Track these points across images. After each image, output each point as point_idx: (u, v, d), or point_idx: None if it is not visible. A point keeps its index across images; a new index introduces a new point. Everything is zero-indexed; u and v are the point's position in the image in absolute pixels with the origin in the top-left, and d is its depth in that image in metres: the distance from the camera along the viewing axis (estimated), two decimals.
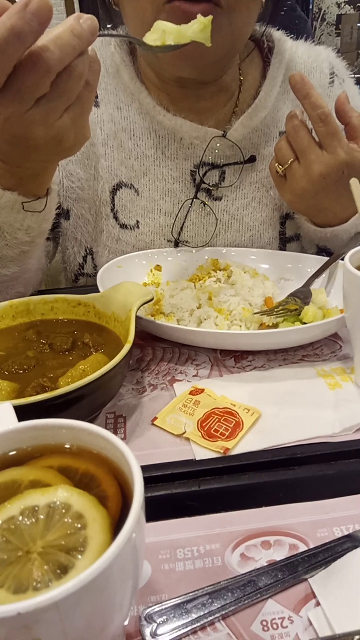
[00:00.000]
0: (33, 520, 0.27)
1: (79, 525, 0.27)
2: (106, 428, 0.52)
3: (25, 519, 0.27)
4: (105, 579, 0.24)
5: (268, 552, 0.40)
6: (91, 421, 0.52)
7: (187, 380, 0.59)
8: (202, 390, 0.56)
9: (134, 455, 0.29)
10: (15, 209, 0.55)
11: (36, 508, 0.28)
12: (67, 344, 0.55)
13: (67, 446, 0.32)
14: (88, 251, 0.83)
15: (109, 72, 0.79)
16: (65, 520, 0.27)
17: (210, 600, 0.36)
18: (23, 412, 0.43)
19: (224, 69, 0.75)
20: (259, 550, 0.40)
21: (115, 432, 0.51)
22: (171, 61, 0.68)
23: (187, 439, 0.50)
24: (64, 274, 0.87)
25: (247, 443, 0.49)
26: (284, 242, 0.84)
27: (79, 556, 0.25)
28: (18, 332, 0.59)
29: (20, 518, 0.27)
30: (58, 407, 0.45)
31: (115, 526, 0.28)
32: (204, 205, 0.81)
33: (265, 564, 0.39)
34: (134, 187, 0.80)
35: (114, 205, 0.80)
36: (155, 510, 0.42)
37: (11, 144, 0.47)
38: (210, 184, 0.80)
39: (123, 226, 0.80)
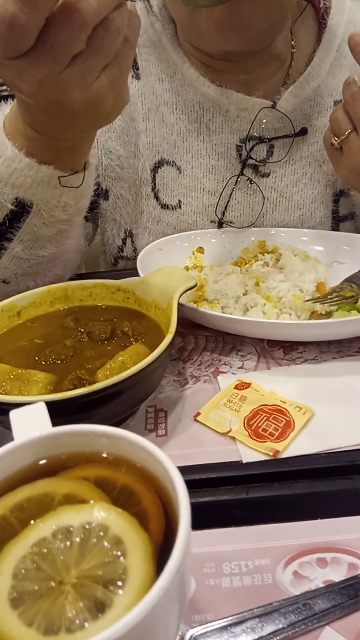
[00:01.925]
0: (67, 543, 0.24)
1: (118, 553, 0.24)
2: (146, 423, 0.49)
3: (59, 542, 0.24)
4: (149, 622, 0.21)
5: (324, 571, 0.36)
6: (130, 416, 0.49)
7: (232, 373, 0.55)
8: (249, 385, 0.52)
9: (179, 474, 0.25)
10: (51, 184, 0.52)
11: (70, 529, 0.25)
12: (106, 333, 0.52)
13: (105, 455, 0.29)
14: (128, 233, 0.80)
15: (151, 42, 0.74)
16: (103, 545, 0.24)
17: (260, 624, 0.33)
18: (60, 408, 0.41)
19: (273, 36, 0.68)
20: (314, 569, 0.36)
21: (155, 428, 0.48)
22: (215, 35, 0.62)
23: (233, 438, 0.46)
24: (103, 257, 0.84)
25: (299, 445, 0.45)
26: (337, 222, 0.77)
27: (118, 591, 0.22)
28: (56, 318, 0.57)
29: (52, 540, 0.24)
30: (96, 402, 0.42)
31: (159, 553, 0.24)
32: (251, 183, 0.75)
33: (322, 585, 0.35)
34: (176, 164, 0.75)
35: (154, 184, 0.76)
36: (199, 518, 0.39)
37: (46, 111, 0.43)
38: (258, 160, 0.74)
39: (164, 206, 0.76)
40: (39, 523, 0.25)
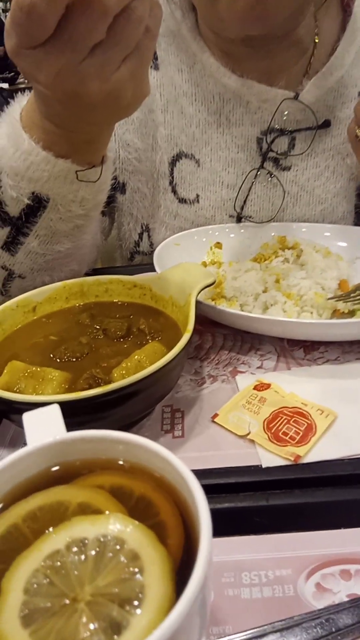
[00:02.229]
0: (82, 557, 0.23)
1: (135, 569, 0.22)
2: (162, 424, 0.48)
3: (73, 556, 0.23)
4: None
5: (348, 583, 0.35)
6: (146, 416, 0.48)
7: (251, 372, 0.53)
8: (269, 386, 0.50)
9: (199, 485, 0.24)
10: (68, 178, 0.51)
11: (85, 541, 0.24)
12: (122, 330, 0.51)
13: (120, 462, 0.28)
14: (144, 228, 0.78)
15: (170, 31, 0.72)
16: (119, 560, 0.23)
17: (282, 638, 0.31)
18: (74, 408, 0.40)
19: (296, 21, 0.66)
20: (338, 581, 0.35)
21: (172, 429, 0.47)
22: (237, 21, 0.60)
23: (252, 441, 0.44)
24: (119, 252, 0.83)
25: (322, 450, 0.43)
26: None
27: (135, 611, 0.21)
28: (72, 314, 0.56)
29: (66, 554, 0.23)
30: (112, 402, 0.41)
31: (178, 569, 0.23)
32: (271, 176, 0.73)
33: (346, 599, 0.34)
34: (194, 157, 0.73)
35: (172, 177, 0.74)
36: (218, 525, 0.38)
37: (64, 103, 0.42)
38: (279, 152, 0.72)
39: (182, 200, 0.74)
40: (52, 534, 0.24)
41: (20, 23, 0.34)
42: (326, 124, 0.72)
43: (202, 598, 0.21)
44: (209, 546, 0.21)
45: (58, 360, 0.49)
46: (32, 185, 0.51)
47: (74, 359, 0.49)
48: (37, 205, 0.53)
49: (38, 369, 0.45)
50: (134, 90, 0.42)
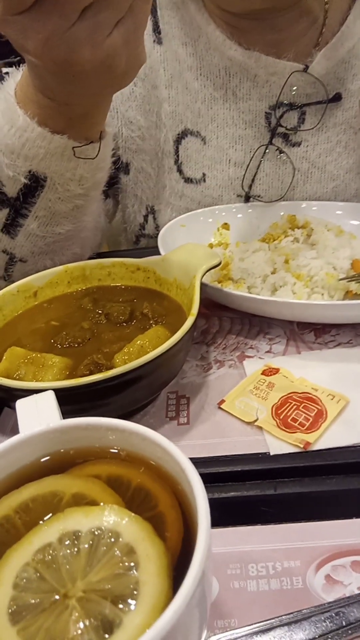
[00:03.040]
0: (74, 550, 0.22)
1: (130, 564, 0.21)
2: (167, 410, 0.46)
3: (65, 549, 0.22)
4: None
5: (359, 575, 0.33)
6: (151, 402, 0.47)
7: (259, 357, 0.51)
8: (277, 370, 0.48)
9: (197, 475, 0.22)
10: (65, 155, 0.49)
11: (78, 534, 0.22)
12: (125, 315, 0.50)
13: (117, 451, 0.26)
14: (149, 209, 0.76)
15: (174, 4, 0.69)
16: (113, 554, 0.21)
17: (289, 632, 0.30)
18: (75, 394, 0.39)
19: None
20: (349, 573, 0.33)
21: (177, 415, 0.45)
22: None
23: (260, 427, 0.43)
24: (124, 235, 0.81)
25: (332, 437, 0.41)
26: None
27: (129, 609, 0.20)
28: (74, 299, 0.54)
29: (58, 547, 0.22)
30: (113, 388, 0.40)
31: (176, 564, 0.22)
32: (280, 153, 0.70)
33: (357, 592, 0.32)
34: (200, 134, 0.71)
35: (178, 156, 0.72)
36: (224, 515, 0.36)
37: (55, 73, 0.40)
38: (288, 128, 0.69)
39: (188, 180, 0.72)
40: (44, 526, 0.23)
41: None
42: (337, 98, 0.69)
43: (200, 593, 0.19)
44: (207, 539, 0.20)
45: (59, 346, 0.47)
46: (28, 164, 0.50)
47: (76, 345, 0.47)
48: (34, 184, 0.51)
49: (38, 355, 0.44)
50: (128, 57, 0.40)
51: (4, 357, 0.44)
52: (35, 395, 0.29)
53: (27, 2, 0.33)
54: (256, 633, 0.30)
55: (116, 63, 0.39)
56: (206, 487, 0.38)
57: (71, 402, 0.36)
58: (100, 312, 0.51)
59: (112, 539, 0.22)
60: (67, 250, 0.61)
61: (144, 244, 0.79)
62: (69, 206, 0.54)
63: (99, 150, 0.51)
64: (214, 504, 0.37)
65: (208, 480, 0.38)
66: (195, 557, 0.19)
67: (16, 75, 0.50)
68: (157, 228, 0.76)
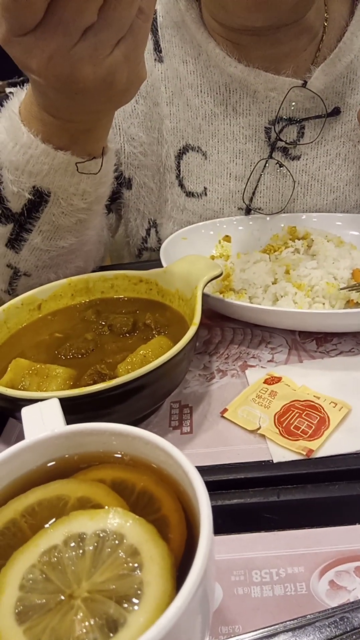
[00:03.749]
0: (79, 552, 0.22)
1: (134, 565, 0.21)
2: (170, 420, 0.47)
3: (70, 551, 0.22)
4: None
5: None
6: (154, 412, 0.47)
7: (261, 366, 0.52)
8: (279, 379, 0.49)
9: (200, 478, 0.23)
10: (69, 171, 0.50)
11: (83, 536, 0.23)
12: (128, 326, 0.50)
13: (121, 456, 0.27)
14: (152, 223, 0.77)
15: (174, 23, 0.71)
16: (117, 556, 0.22)
17: (293, 638, 0.30)
18: (78, 404, 0.39)
19: (305, 9, 0.64)
20: (353, 578, 0.33)
21: (180, 425, 0.46)
22: (243, 13, 0.59)
23: (263, 436, 0.43)
24: (127, 249, 0.82)
25: (335, 444, 0.41)
26: None
27: (133, 609, 0.20)
28: (77, 311, 0.55)
29: (63, 549, 0.22)
30: (116, 398, 0.40)
31: (179, 565, 0.22)
32: (280, 166, 0.71)
33: None
34: (201, 150, 0.72)
35: (179, 171, 0.73)
36: (227, 522, 0.37)
37: (58, 90, 0.41)
38: (288, 142, 0.71)
39: (189, 194, 0.73)
40: (49, 529, 0.23)
41: (9, 9, 0.34)
42: (336, 112, 0.70)
43: (202, 594, 0.20)
44: (209, 539, 0.20)
45: (63, 357, 0.48)
46: (32, 179, 0.51)
47: (79, 356, 0.48)
48: (38, 199, 0.52)
49: (42, 366, 0.44)
50: (129, 74, 0.41)
51: (9, 369, 0.45)
52: (40, 402, 0.30)
53: (31, 23, 0.35)
54: (260, 639, 0.30)
55: (117, 80, 0.40)
56: (210, 495, 0.38)
57: (75, 411, 0.37)
58: (103, 323, 0.52)
59: (117, 541, 0.22)
60: (70, 264, 0.62)
61: (146, 257, 0.80)
62: (72, 220, 0.55)
63: (101, 166, 0.52)
64: (217, 512, 0.37)
65: (211, 488, 0.39)
66: (197, 557, 0.20)
67: (20, 95, 0.52)
68: (160, 241, 0.77)
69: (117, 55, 0.39)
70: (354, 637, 0.30)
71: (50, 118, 0.47)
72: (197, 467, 0.40)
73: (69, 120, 0.47)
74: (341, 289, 0.55)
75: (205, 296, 0.52)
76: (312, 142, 0.71)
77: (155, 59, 0.72)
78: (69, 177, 0.51)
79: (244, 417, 0.45)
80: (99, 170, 0.52)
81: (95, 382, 0.43)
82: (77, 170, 0.50)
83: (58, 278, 0.56)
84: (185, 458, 0.24)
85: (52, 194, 0.52)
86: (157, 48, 0.72)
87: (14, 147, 0.49)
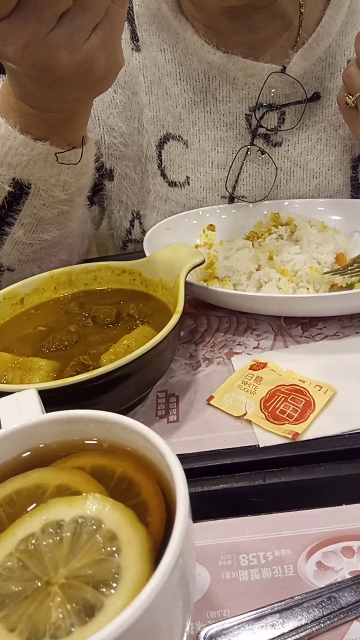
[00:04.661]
0: (57, 539, 0.22)
1: (112, 549, 0.21)
2: (157, 409, 0.47)
3: (48, 538, 0.22)
4: (145, 624, 0.18)
5: (351, 560, 0.33)
6: (140, 402, 0.47)
7: (247, 353, 0.52)
8: (265, 365, 0.49)
9: (177, 459, 0.23)
10: (48, 161, 0.50)
11: (61, 523, 0.23)
12: (111, 317, 0.50)
13: (100, 443, 0.27)
14: (135, 215, 0.77)
15: (150, 11, 0.70)
16: (95, 541, 0.22)
17: (281, 620, 0.30)
18: (62, 395, 0.39)
19: None
20: (340, 559, 0.33)
21: (167, 414, 0.46)
22: None
23: (249, 421, 0.43)
24: (111, 241, 0.82)
25: (321, 427, 0.41)
26: (356, 189, 0.72)
27: (110, 592, 0.20)
28: (61, 304, 0.55)
29: (41, 536, 0.22)
30: (100, 388, 0.40)
31: (159, 549, 0.22)
32: (262, 153, 0.71)
33: (348, 576, 0.32)
34: (182, 138, 0.72)
35: (161, 161, 0.73)
36: (214, 507, 0.37)
37: (35, 78, 0.41)
38: (269, 128, 0.70)
39: (172, 184, 0.73)
40: (27, 517, 0.23)
41: None
42: (316, 97, 0.70)
43: (180, 575, 0.19)
44: (185, 520, 0.20)
45: (47, 350, 0.48)
46: (12, 171, 0.50)
47: (63, 348, 0.48)
48: (18, 192, 0.52)
49: (25, 359, 0.44)
50: (107, 61, 0.40)
51: None
52: (17, 393, 0.29)
53: (6, 9, 0.34)
54: (248, 622, 0.30)
55: (94, 66, 0.40)
56: (196, 481, 0.38)
57: (59, 403, 0.36)
58: (86, 315, 0.51)
59: (95, 527, 0.22)
60: (54, 257, 0.61)
61: (131, 248, 0.79)
62: (54, 212, 0.55)
63: (81, 156, 0.52)
64: (204, 497, 0.38)
65: (198, 474, 0.39)
66: (173, 537, 0.19)
67: None
68: (144, 232, 0.76)
69: (94, 41, 0.38)
70: (342, 616, 0.30)
71: (28, 108, 0.46)
72: (184, 454, 0.40)
73: (48, 110, 0.46)
74: (324, 273, 0.55)
75: (190, 285, 0.51)
76: (292, 127, 0.70)
77: (132, 48, 0.71)
78: (49, 167, 0.50)
79: (230, 404, 0.45)
80: (79, 161, 0.51)
81: (78, 373, 0.42)
82: (57, 160, 0.50)
83: (42, 272, 0.56)
84: (163, 441, 0.24)
85: (32, 186, 0.51)
86: (134, 37, 0.71)
87: None
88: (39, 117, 0.47)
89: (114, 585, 0.20)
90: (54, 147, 0.49)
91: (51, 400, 0.33)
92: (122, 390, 0.41)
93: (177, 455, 0.23)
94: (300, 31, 0.69)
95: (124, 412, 0.46)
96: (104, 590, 0.20)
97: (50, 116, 0.47)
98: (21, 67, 0.39)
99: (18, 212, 0.53)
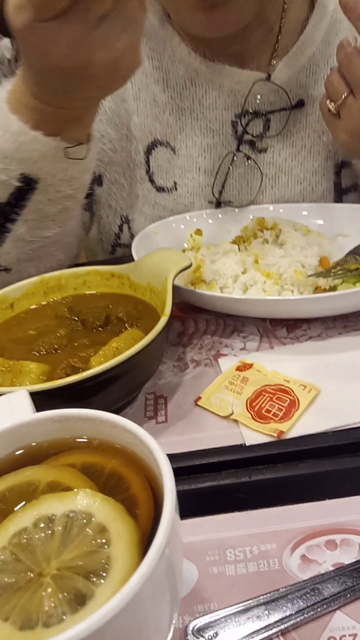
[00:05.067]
0: (48, 533, 0.23)
1: (102, 541, 0.22)
2: (145, 410, 0.48)
3: (40, 532, 0.23)
4: (132, 612, 0.19)
5: (334, 553, 0.34)
6: (129, 404, 0.48)
7: (234, 355, 0.53)
8: (251, 366, 0.50)
9: (164, 454, 0.24)
10: (57, 157, 0.52)
11: (52, 518, 0.23)
12: (100, 320, 0.51)
13: (90, 440, 0.27)
14: (124, 219, 0.78)
15: None
16: (86, 534, 0.22)
17: (267, 611, 0.31)
18: (52, 397, 0.40)
19: (262, 9, 0.66)
20: (323, 552, 0.34)
21: (155, 415, 0.47)
22: (198, 29, 0.62)
23: (235, 421, 0.44)
24: (100, 245, 0.83)
25: (305, 425, 0.43)
26: (340, 195, 0.74)
27: (101, 582, 0.21)
28: (50, 308, 0.55)
29: (33, 530, 0.23)
30: (90, 389, 0.41)
31: (147, 541, 0.23)
32: (248, 159, 0.72)
33: (331, 569, 0.33)
34: (169, 145, 0.73)
35: (149, 166, 0.74)
36: (201, 504, 0.38)
37: (69, 75, 0.44)
38: (254, 135, 0.72)
39: (160, 189, 0.74)
40: (19, 512, 0.24)
41: None
42: (300, 104, 0.72)
43: (167, 565, 0.20)
44: (171, 511, 0.21)
45: (36, 353, 0.48)
46: (22, 167, 0.52)
47: (53, 351, 0.48)
48: (26, 187, 0.53)
49: (15, 363, 0.45)
50: (131, 59, 0.45)
51: None
52: (8, 394, 0.30)
53: (59, 10, 0.38)
54: (235, 614, 0.31)
55: (122, 63, 0.44)
56: (184, 479, 0.39)
57: (49, 405, 0.37)
58: (76, 319, 0.52)
59: (85, 520, 0.23)
60: (52, 257, 0.62)
61: (120, 253, 0.80)
62: (58, 208, 0.57)
63: (87, 152, 0.54)
64: (191, 495, 0.38)
65: (186, 472, 0.40)
66: (160, 526, 0.20)
67: (6, 86, 0.52)
68: (132, 237, 0.77)
69: (125, 41, 0.42)
70: (325, 606, 0.31)
71: (43, 106, 0.49)
72: (172, 454, 0.41)
73: (63, 107, 0.49)
74: (309, 276, 0.57)
75: (177, 288, 0.52)
76: (277, 134, 0.72)
77: None
78: (57, 163, 0.53)
79: (217, 404, 0.46)
80: (86, 156, 0.54)
81: (68, 376, 0.43)
82: (66, 156, 0.52)
83: (38, 273, 0.56)
84: (151, 437, 0.24)
85: (40, 181, 0.53)
86: None
87: (3, 135, 0.51)
88: (52, 115, 0.50)
89: (104, 575, 0.21)
90: (64, 143, 0.52)
91: (41, 402, 0.34)
92: (111, 392, 0.42)
93: (166, 455, 0.24)
94: (280, 38, 0.71)
95: (114, 414, 0.47)
96: (94, 579, 0.21)
97: (64, 113, 0.50)
98: (62, 64, 0.42)
99: (23, 207, 0.55)
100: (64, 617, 0.20)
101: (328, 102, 0.63)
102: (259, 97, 0.71)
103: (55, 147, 0.52)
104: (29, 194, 0.54)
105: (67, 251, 0.66)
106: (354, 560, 0.34)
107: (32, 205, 0.55)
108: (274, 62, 0.70)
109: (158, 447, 0.24)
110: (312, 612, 0.31)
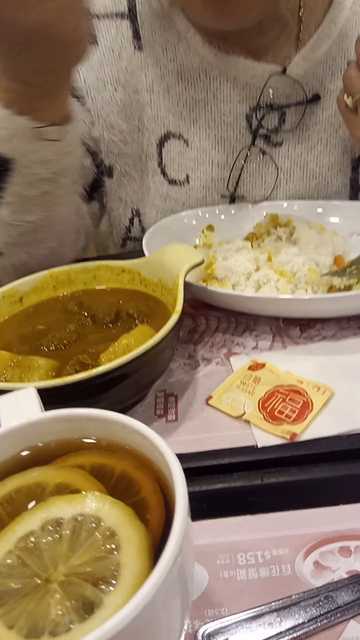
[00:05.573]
0: (56, 537, 0.22)
1: (111, 547, 0.21)
2: (155, 408, 0.47)
3: (47, 536, 0.22)
4: (144, 621, 0.18)
5: (348, 560, 0.33)
6: (139, 401, 0.47)
7: (246, 354, 0.52)
8: (263, 365, 0.49)
9: (175, 457, 0.23)
10: (26, 135, 0.51)
11: (61, 521, 0.23)
12: (110, 316, 0.50)
13: (99, 441, 0.27)
14: (135, 212, 0.77)
15: (153, 11, 0.71)
16: (94, 539, 0.22)
17: (279, 618, 0.30)
18: (61, 394, 0.39)
19: (276, 6, 0.64)
20: (337, 558, 0.33)
21: (165, 413, 0.46)
22: (209, 21, 0.60)
23: (247, 421, 0.43)
24: (111, 239, 0.82)
25: (318, 427, 0.42)
26: (355, 191, 0.73)
27: (110, 589, 0.20)
28: (60, 303, 0.55)
29: (40, 534, 0.22)
30: (99, 387, 0.40)
31: (158, 546, 0.22)
32: (263, 154, 0.71)
33: (345, 576, 0.32)
34: (182, 137, 0.72)
35: (161, 158, 0.73)
36: (212, 506, 0.37)
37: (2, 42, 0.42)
38: (269, 129, 0.70)
39: (172, 182, 0.73)
40: (27, 515, 0.23)
41: None
42: (316, 98, 0.70)
43: (179, 571, 0.20)
44: (184, 517, 0.20)
45: (45, 349, 0.48)
46: None
47: (62, 347, 0.48)
48: (2, 168, 0.52)
49: (24, 358, 0.44)
50: (70, 25, 0.41)
51: None
52: (16, 391, 0.29)
53: None
54: (246, 620, 0.30)
55: (54, 32, 0.41)
56: (194, 480, 0.38)
57: (57, 402, 0.36)
58: (86, 314, 0.51)
59: (94, 524, 0.22)
60: (41, 243, 0.60)
61: (130, 247, 0.79)
62: (37, 191, 0.55)
63: (65, 134, 0.52)
64: (202, 496, 0.38)
65: (197, 473, 0.39)
66: (172, 533, 0.19)
67: None
68: (143, 230, 0.76)
69: (50, 5, 0.39)
70: (338, 615, 0.30)
71: (10, 82, 0.47)
72: (182, 454, 0.41)
73: (29, 83, 0.47)
74: (323, 275, 0.55)
75: (189, 285, 0.51)
76: (293, 128, 0.71)
77: (134, 47, 0.71)
78: (29, 143, 0.51)
79: (228, 404, 0.45)
80: (63, 139, 0.52)
81: (77, 372, 0.42)
82: (37, 135, 0.50)
83: (30, 259, 0.55)
84: (162, 440, 0.24)
85: (14, 162, 0.52)
86: (137, 36, 0.71)
87: None
88: (20, 92, 0.48)
89: (113, 582, 0.20)
90: (34, 122, 0.50)
91: (50, 399, 0.33)
92: (121, 390, 0.42)
93: (176, 454, 0.24)
94: (300, 34, 0.70)
95: (123, 411, 0.45)
96: (103, 587, 0.20)
97: (31, 90, 0.48)
98: None
99: (3, 190, 0.54)
100: (72, 626, 0.19)
101: (345, 96, 0.62)
102: (271, 91, 0.70)
103: (23, 125, 0.50)
104: (5, 175, 0.53)
105: (60, 240, 0.64)
106: None
107: (10, 188, 0.54)
108: (292, 55, 0.68)
109: (169, 450, 0.23)
110: (325, 621, 0.30)
